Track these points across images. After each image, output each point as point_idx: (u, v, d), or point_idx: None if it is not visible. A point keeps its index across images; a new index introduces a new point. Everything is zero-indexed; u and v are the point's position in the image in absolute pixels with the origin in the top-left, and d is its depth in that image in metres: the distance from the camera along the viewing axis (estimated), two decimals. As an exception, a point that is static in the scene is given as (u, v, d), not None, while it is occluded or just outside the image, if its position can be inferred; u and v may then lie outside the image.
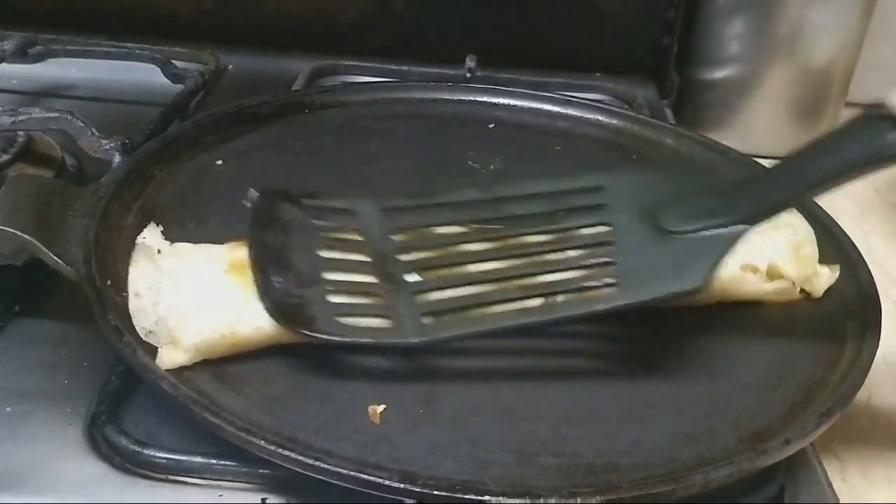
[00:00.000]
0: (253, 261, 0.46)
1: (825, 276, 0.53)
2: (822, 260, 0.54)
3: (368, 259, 0.46)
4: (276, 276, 0.45)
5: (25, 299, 0.52)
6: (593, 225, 0.47)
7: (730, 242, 0.44)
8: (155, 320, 0.45)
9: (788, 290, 0.53)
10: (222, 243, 0.49)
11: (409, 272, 0.46)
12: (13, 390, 0.46)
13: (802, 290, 0.53)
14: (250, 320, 0.44)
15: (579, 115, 0.73)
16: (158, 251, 0.48)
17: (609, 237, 0.47)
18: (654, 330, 0.50)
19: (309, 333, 0.43)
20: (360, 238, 0.47)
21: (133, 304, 0.45)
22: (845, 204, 0.77)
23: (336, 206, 0.49)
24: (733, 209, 0.45)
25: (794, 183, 0.44)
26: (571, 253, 0.47)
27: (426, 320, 0.44)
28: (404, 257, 0.47)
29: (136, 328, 0.45)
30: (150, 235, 0.49)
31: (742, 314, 0.52)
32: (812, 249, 0.53)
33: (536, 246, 0.47)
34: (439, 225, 0.48)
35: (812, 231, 0.54)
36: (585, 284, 0.45)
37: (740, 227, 0.44)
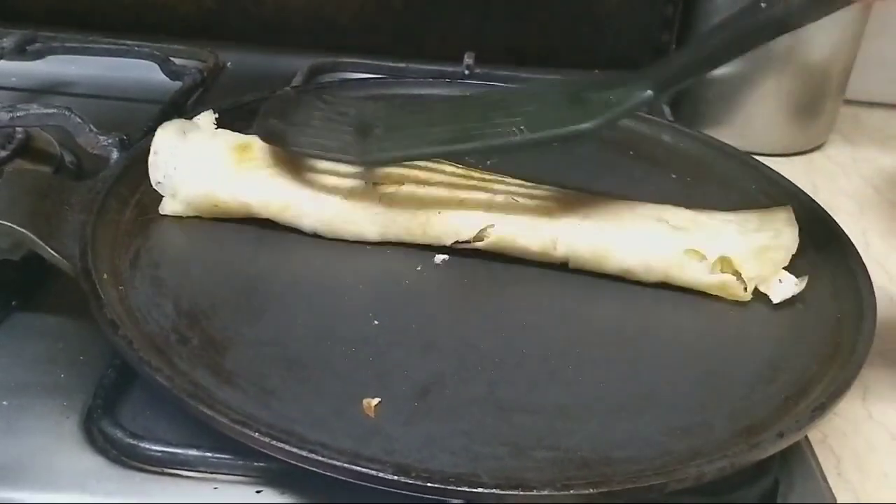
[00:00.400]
0: (261, 113, 0.57)
1: (788, 284, 0.52)
2: (818, 257, 0.55)
3: (352, 124, 0.55)
4: (275, 120, 0.56)
5: (23, 294, 0.53)
6: (526, 102, 0.55)
7: (631, 104, 0.51)
8: (164, 175, 0.54)
9: (732, 284, 0.52)
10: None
11: (377, 129, 0.55)
12: (10, 384, 0.46)
13: (759, 293, 0.52)
14: (230, 189, 0.54)
15: (576, 111, 0.73)
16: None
17: (535, 107, 0.54)
18: (647, 324, 0.51)
19: (278, 145, 0.54)
20: (351, 113, 0.57)
21: (151, 159, 0.54)
22: (845, 202, 0.77)
23: (344, 96, 0.60)
24: (641, 80, 0.51)
25: (693, 57, 0.51)
26: (500, 118, 0.54)
27: (377, 153, 0.53)
28: (378, 124, 0.55)
29: (151, 179, 0.54)
30: (204, 117, 0.59)
31: (736, 308, 0.52)
32: (782, 255, 0.53)
33: (480, 112, 0.55)
34: (415, 110, 0.58)
35: (797, 241, 0.54)
36: (505, 132, 0.52)
37: (646, 92, 0.51)
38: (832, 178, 0.82)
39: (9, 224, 0.46)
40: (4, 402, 0.45)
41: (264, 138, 0.55)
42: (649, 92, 0.50)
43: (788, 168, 0.66)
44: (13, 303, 0.52)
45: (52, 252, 0.47)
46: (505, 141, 0.52)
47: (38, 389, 0.46)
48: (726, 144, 0.68)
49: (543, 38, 0.91)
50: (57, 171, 0.64)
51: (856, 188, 0.80)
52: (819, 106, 0.84)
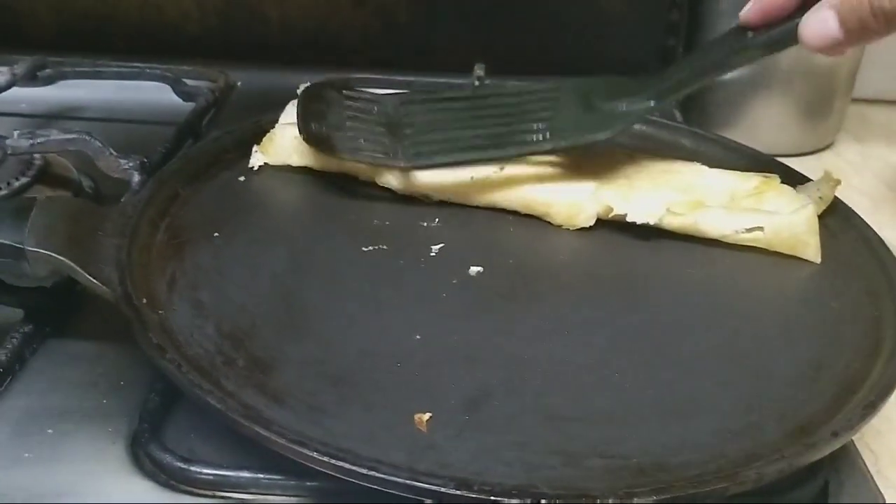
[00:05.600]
0: (299, 114, 0.62)
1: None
2: (849, 257, 0.57)
3: (383, 121, 0.59)
4: (315, 123, 0.61)
5: (56, 320, 0.52)
6: (544, 108, 0.60)
7: (639, 114, 0.59)
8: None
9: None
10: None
11: (407, 129, 0.60)
12: (53, 411, 0.46)
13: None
14: None
15: (593, 119, 0.73)
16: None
17: (553, 113, 0.60)
18: (687, 327, 0.51)
19: (327, 153, 0.61)
20: (378, 111, 0.60)
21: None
22: (858, 199, 0.77)
23: (365, 97, 0.61)
24: (645, 90, 0.58)
25: (687, 71, 0.58)
26: (524, 125, 0.60)
27: (415, 155, 0.59)
28: (408, 125, 0.60)
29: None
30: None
31: (773, 309, 0.53)
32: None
33: (502, 118, 0.60)
34: (435, 108, 0.62)
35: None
36: (533, 138, 0.60)
37: (650, 103, 0.58)
38: (844, 176, 0.81)
39: (48, 252, 0.46)
40: (49, 430, 0.45)
41: (313, 145, 0.61)
42: (651, 102, 0.58)
43: (799, 168, 0.66)
44: (47, 329, 0.52)
45: (91, 278, 0.47)
46: (535, 147, 0.60)
47: (82, 416, 0.46)
48: (746, 146, 0.68)
49: (551, 46, 0.91)
50: (75, 196, 0.64)
51: (868, 185, 0.81)
52: (827, 105, 0.85)
